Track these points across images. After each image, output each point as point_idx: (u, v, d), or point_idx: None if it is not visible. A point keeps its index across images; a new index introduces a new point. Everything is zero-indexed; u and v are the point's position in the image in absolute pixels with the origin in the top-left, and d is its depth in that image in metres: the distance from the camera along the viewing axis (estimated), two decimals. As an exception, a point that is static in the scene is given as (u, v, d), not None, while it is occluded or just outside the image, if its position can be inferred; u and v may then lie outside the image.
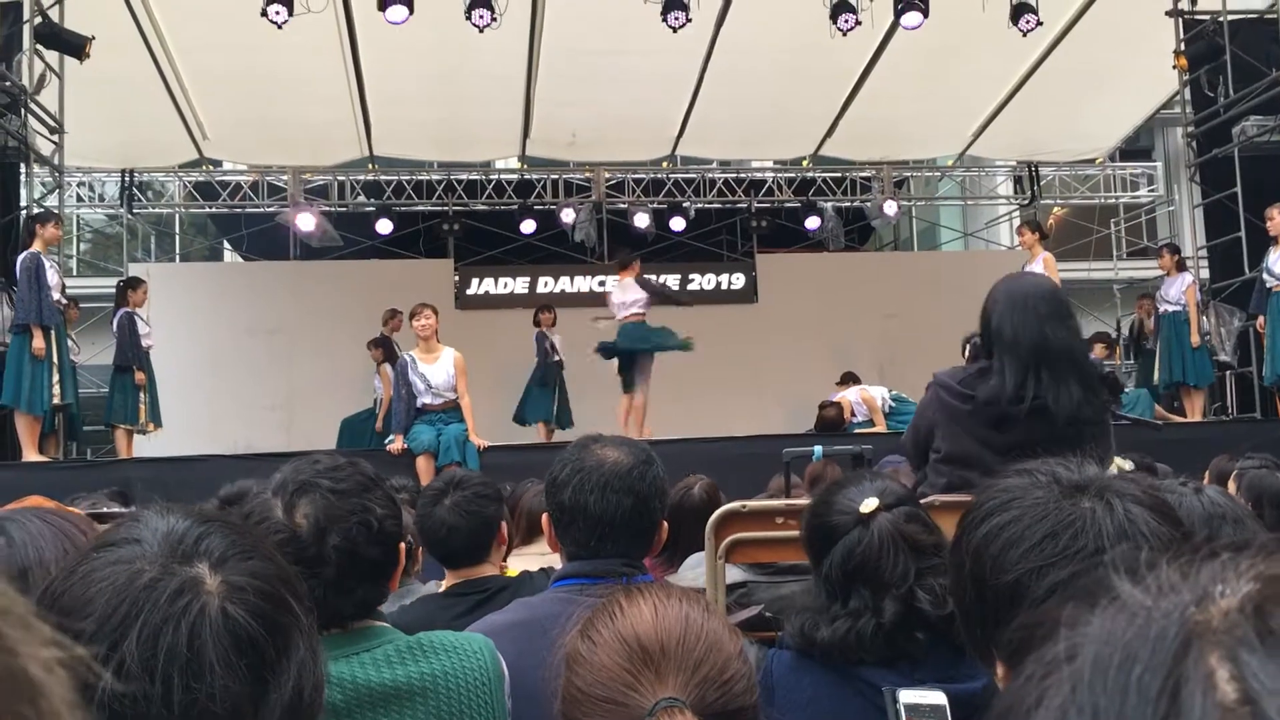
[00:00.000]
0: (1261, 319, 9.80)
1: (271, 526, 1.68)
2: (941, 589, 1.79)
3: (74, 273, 16.52)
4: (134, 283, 10.27)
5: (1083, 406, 2.80)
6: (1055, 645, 0.48)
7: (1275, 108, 10.82)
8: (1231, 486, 4.20)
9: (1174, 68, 11.80)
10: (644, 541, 2.15)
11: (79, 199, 15.36)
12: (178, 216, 16.61)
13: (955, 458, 2.86)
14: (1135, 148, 17.76)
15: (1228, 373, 11.30)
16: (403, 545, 1.85)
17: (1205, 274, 11.94)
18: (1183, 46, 11.62)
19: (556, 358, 11.77)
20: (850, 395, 11.20)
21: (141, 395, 9.85)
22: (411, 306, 8.99)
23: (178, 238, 17.26)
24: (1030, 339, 2.83)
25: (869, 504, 1.92)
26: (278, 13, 10.06)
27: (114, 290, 10.74)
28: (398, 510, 1.85)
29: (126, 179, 14.45)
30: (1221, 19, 11.26)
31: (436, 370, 8.51)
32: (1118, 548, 1.18)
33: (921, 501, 2.13)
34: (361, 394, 12.44)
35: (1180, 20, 11.64)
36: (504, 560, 3.22)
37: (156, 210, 16.00)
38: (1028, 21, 10.92)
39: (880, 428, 10.42)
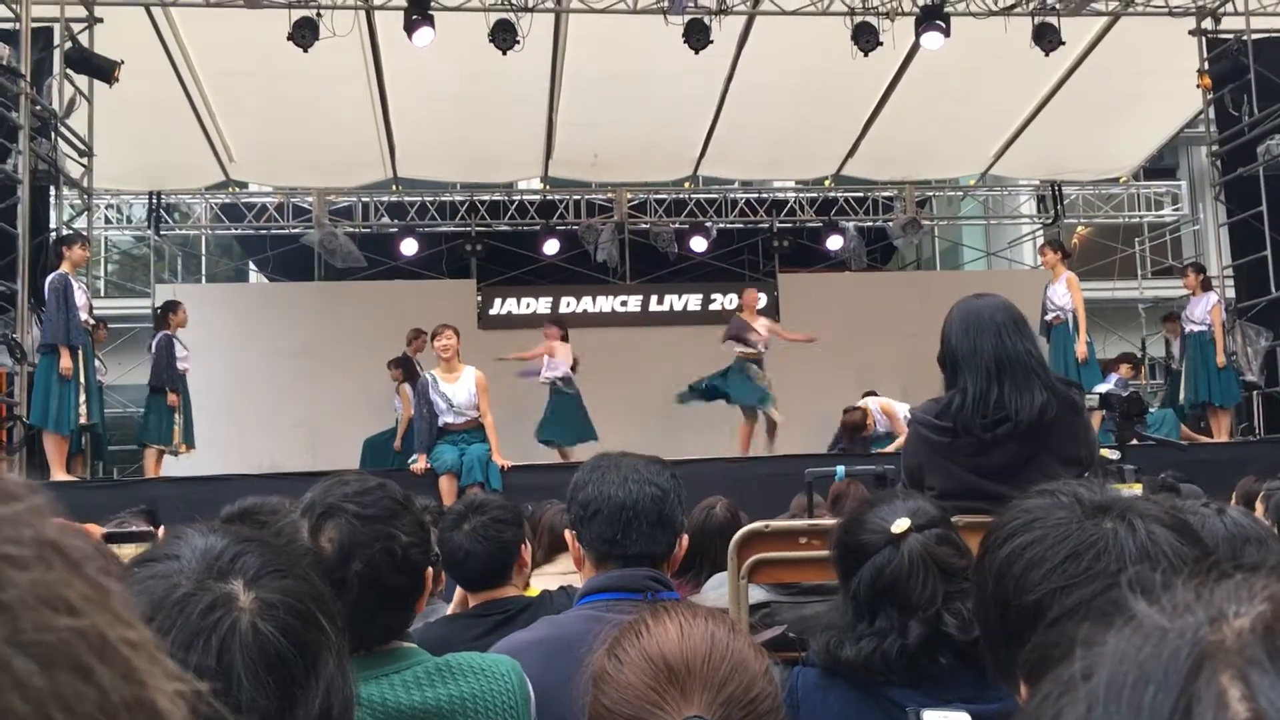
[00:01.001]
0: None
1: (298, 549, 1.69)
2: (969, 613, 1.78)
3: (101, 294, 16.70)
4: (173, 306, 10.28)
5: (1047, 409, 2.82)
6: (1071, 665, 0.48)
7: (1300, 126, 10.77)
8: (1259, 508, 4.18)
9: (1198, 87, 11.77)
10: (667, 537, 2.15)
11: (107, 221, 15.55)
12: (204, 238, 16.77)
13: (950, 493, 2.86)
14: (1159, 166, 17.68)
15: (1254, 393, 11.21)
16: (429, 570, 1.85)
17: (1230, 293, 11.86)
18: (1206, 66, 11.58)
19: (542, 380, 11.47)
20: (870, 404, 11.12)
21: (175, 416, 9.92)
22: (434, 327, 9.03)
23: (204, 259, 17.41)
24: (988, 349, 2.87)
25: (901, 524, 1.91)
26: (304, 37, 10.19)
27: (141, 311, 10.86)
28: (426, 536, 1.83)
29: (154, 201, 14.60)
30: (1245, 38, 11.22)
31: (458, 389, 8.54)
32: (1134, 568, 1.19)
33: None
34: (385, 414, 12.48)
35: (1204, 39, 11.62)
36: (527, 582, 3.23)
37: (183, 232, 16.16)
38: (1050, 42, 10.92)
39: (902, 438, 10.38)
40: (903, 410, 10.90)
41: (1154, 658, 0.45)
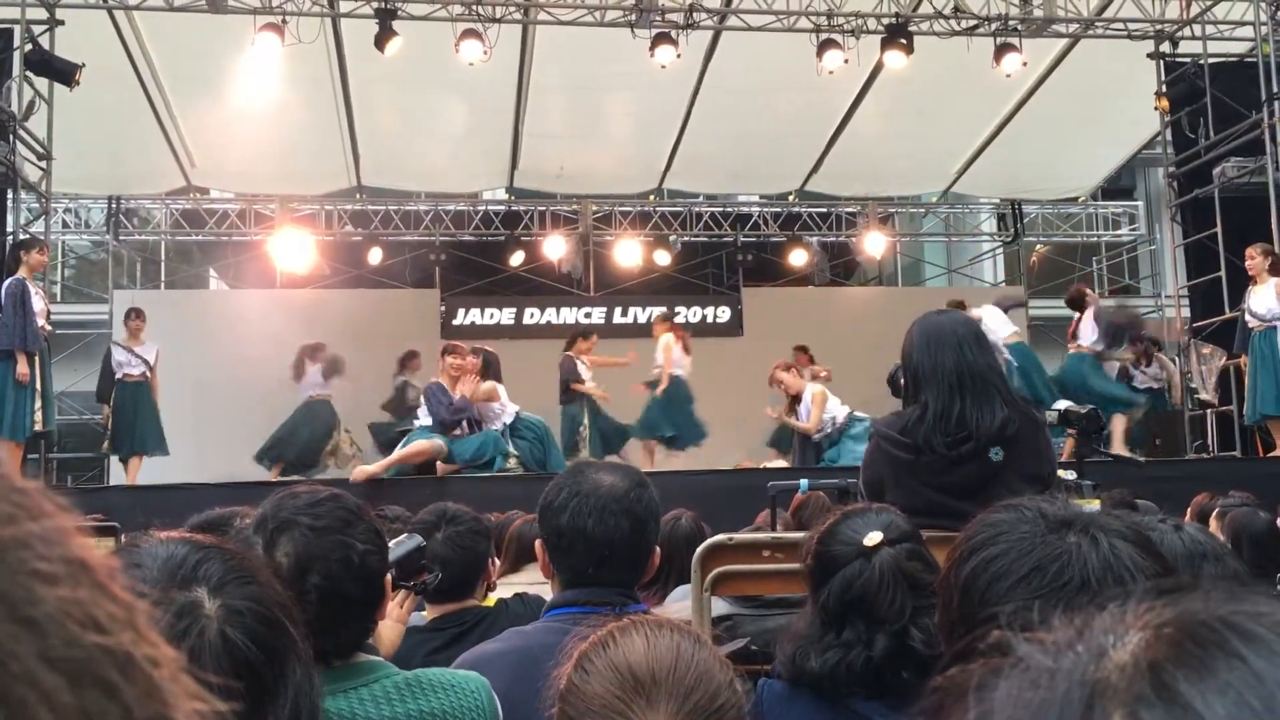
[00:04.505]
0: (1243, 357, 9.85)
1: (259, 556, 1.67)
2: (934, 628, 1.79)
3: (58, 299, 16.47)
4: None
5: (1009, 425, 2.84)
6: (965, 713, 0.49)
7: (1255, 149, 10.96)
8: (1214, 524, 4.24)
9: (1155, 109, 11.98)
10: (640, 566, 2.14)
11: (65, 225, 15.34)
12: (164, 244, 16.59)
13: (913, 509, 2.88)
14: (1117, 187, 17.95)
15: (1208, 411, 11.37)
16: (388, 579, 1.83)
17: (1186, 312, 12.06)
18: (1164, 88, 11.79)
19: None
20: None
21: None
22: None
23: (163, 265, 17.21)
24: (950, 365, 2.88)
25: (873, 537, 1.92)
26: (268, 43, 10.13)
27: (98, 317, 10.73)
28: (382, 544, 1.81)
29: (113, 206, 14.43)
30: (1202, 62, 11.43)
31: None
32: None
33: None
34: (344, 421, 12.37)
35: (1161, 62, 11.82)
36: (489, 593, 3.21)
37: (142, 237, 15.97)
38: (1012, 62, 11.08)
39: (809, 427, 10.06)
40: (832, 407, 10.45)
41: (1047, 702, 0.46)
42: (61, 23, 10.20)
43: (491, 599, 3.16)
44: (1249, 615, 0.46)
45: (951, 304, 9.55)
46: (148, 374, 10.42)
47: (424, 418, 8.75)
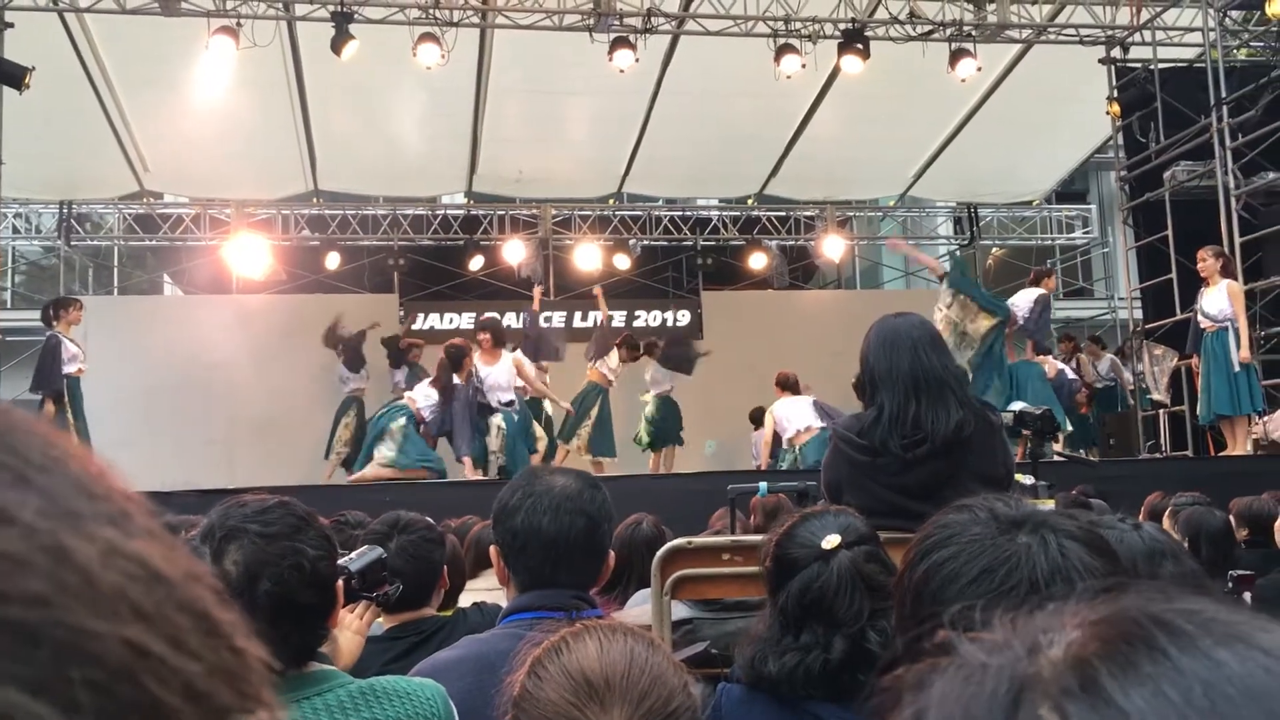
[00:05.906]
0: (1195, 358, 9.98)
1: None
2: (892, 630, 1.79)
3: (7, 305, 16.24)
4: (65, 303, 9.93)
5: (963, 426, 2.86)
6: (903, 711, 0.49)
7: (1204, 154, 11.14)
8: (1166, 522, 4.29)
9: (1107, 114, 12.15)
10: (595, 566, 2.15)
11: (15, 230, 15.10)
12: (116, 249, 16.37)
13: (871, 511, 2.90)
14: (1070, 191, 18.17)
15: (1161, 411, 11.54)
16: (339, 584, 1.82)
17: (1139, 314, 12.23)
18: (1116, 93, 11.96)
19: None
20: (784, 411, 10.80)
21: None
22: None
23: (116, 270, 16.99)
24: (905, 367, 2.90)
25: (831, 540, 1.92)
26: (223, 46, 10.03)
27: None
28: (333, 550, 1.80)
29: (64, 210, 14.23)
30: (1153, 67, 11.61)
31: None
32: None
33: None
34: (301, 428, 12.28)
35: (1113, 68, 11.99)
36: (441, 603, 3.19)
37: (95, 242, 15.76)
38: (966, 67, 11.19)
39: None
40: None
41: (976, 697, 0.46)
42: (11, 25, 10.05)
43: (449, 611, 3.13)
44: (1179, 613, 0.47)
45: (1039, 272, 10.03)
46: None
47: (422, 399, 9.00)
